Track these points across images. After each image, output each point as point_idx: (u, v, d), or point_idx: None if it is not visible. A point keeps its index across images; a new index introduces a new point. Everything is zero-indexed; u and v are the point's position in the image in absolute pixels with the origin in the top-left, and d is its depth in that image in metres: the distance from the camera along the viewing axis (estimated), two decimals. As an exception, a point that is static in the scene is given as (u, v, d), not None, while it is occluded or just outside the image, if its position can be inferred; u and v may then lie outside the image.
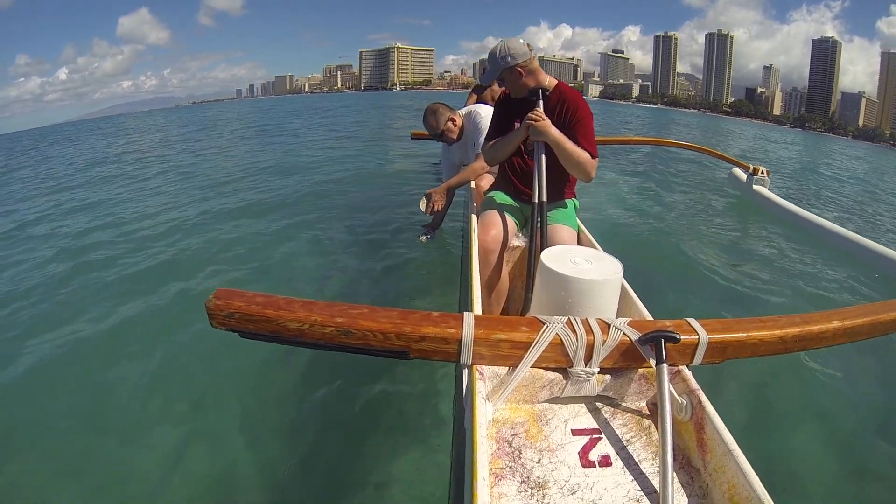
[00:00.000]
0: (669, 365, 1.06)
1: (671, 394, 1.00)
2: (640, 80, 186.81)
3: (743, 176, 6.27)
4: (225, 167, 7.94)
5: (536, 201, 1.90)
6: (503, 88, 2.20)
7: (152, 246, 4.00)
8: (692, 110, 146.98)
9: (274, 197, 5.55)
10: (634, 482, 0.97)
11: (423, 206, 2.94)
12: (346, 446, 1.81)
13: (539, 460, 1.00)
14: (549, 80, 2.07)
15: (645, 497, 0.94)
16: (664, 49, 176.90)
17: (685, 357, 1.09)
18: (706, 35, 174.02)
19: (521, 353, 1.06)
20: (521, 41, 2.05)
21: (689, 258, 3.87)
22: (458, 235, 3.74)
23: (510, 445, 1.03)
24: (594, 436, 1.06)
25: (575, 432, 1.07)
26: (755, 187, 5.99)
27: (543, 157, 1.95)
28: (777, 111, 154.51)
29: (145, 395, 2.15)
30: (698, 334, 1.08)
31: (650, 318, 1.34)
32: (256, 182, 6.50)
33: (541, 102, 1.99)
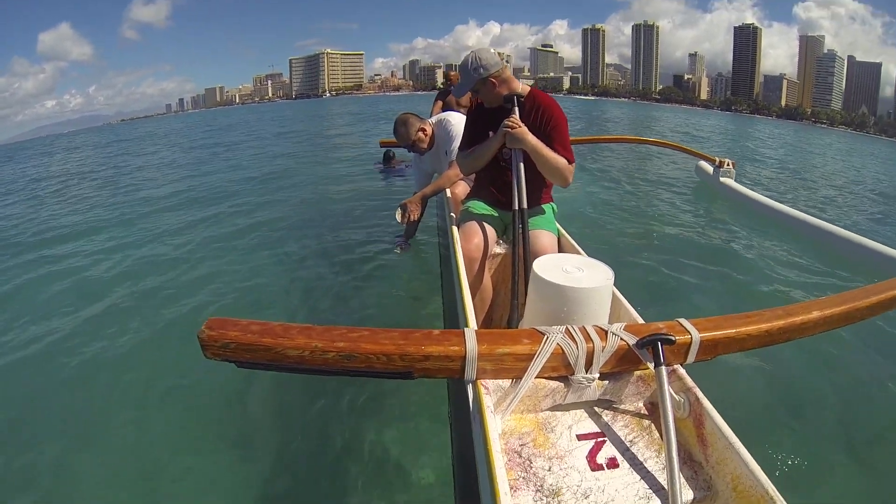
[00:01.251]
0: (665, 365, 1.09)
1: (670, 393, 1.04)
2: (570, 73, 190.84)
3: (709, 168, 6.46)
4: (170, 188, 7.60)
5: (517, 208, 1.91)
6: (475, 98, 2.20)
7: (110, 277, 3.82)
8: (623, 99, 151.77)
9: (234, 216, 5.35)
10: (642, 481, 1.00)
11: (398, 216, 2.92)
12: (339, 472, 1.80)
13: (550, 468, 1.02)
14: (522, 87, 2.08)
15: (654, 495, 0.97)
16: (592, 41, 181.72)
17: (679, 357, 1.14)
18: (633, 26, 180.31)
19: (525, 365, 1.07)
20: (492, 50, 2.09)
21: (665, 255, 3.96)
22: (433, 244, 3.74)
23: (520, 456, 1.05)
24: (599, 439, 1.09)
25: (580, 437, 1.10)
26: (722, 179, 6.18)
27: (522, 164, 1.97)
28: (704, 96, 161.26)
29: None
30: (690, 334, 1.12)
31: (641, 321, 1.38)
32: (211, 202, 6.24)
33: (516, 109, 2.01)
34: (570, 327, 1.12)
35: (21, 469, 1.87)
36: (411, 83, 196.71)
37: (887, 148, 37.28)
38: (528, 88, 2.10)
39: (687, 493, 0.99)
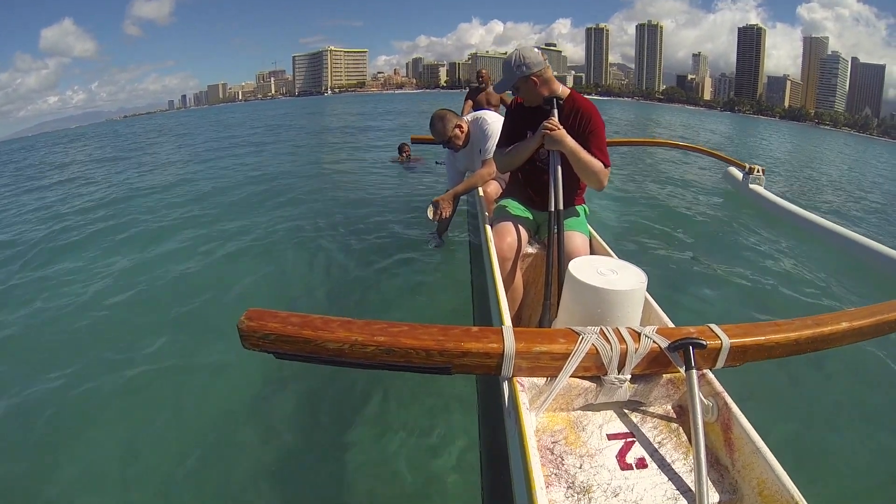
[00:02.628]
0: (696, 370, 1.12)
1: (700, 397, 1.07)
2: (573, 72, 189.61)
3: (739, 175, 6.29)
4: (195, 183, 7.44)
5: (553, 209, 1.93)
6: (515, 97, 2.22)
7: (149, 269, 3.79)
8: (626, 98, 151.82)
9: (266, 211, 5.26)
10: (670, 482, 1.03)
11: (430, 213, 2.97)
12: (363, 462, 1.83)
13: (581, 465, 1.05)
14: (562, 90, 2.10)
15: (681, 496, 1.00)
16: (596, 40, 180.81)
17: (708, 361, 1.16)
18: (636, 25, 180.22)
19: (560, 364, 1.10)
20: (536, 50, 2.09)
21: (692, 260, 3.95)
22: (463, 242, 3.73)
23: (552, 453, 1.08)
24: (628, 439, 1.12)
25: (610, 437, 1.13)
26: (751, 186, 6.01)
27: (559, 166, 1.99)
28: (707, 96, 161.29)
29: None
30: (721, 339, 1.14)
31: (671, 324, 1.41)
32: (241, 198, 6.13)
33: (555, 111, 2.03)
34: (604, 328, 1.14)
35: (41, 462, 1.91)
36: (414, 81, 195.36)
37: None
38: (568, 91, 2.12)
39: (713, 496, 1.02)
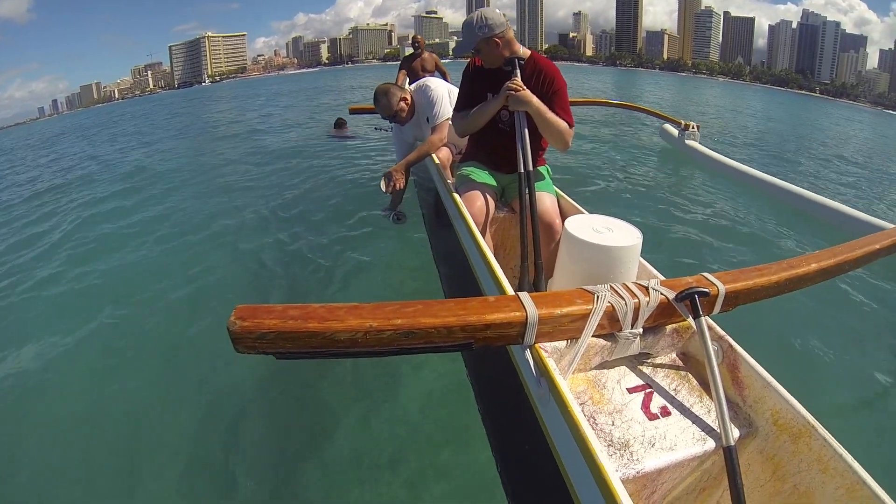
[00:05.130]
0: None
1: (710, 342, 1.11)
2: (455, 38, 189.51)
3: (675, 131, 6.48)
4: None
5: (522, 171, 1.90)
6: (473, 59, 2.14)
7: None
8: None
9: (201, 207, 4.64)
10: (694, 425, 1.07)
11: (383, 186, 2.85)
12: (373, 447, 1.78)
13: (613, 422, 1.06)
14: (522, 50, 2.05)
15: (707, 436, 1.05)
16: (477, 4, 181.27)
17: (706, 308, 1.20)
18: None
19: (579, 325, 1.09)
20: (497, 11, 2.01)
21: (639, 217, 3.93)
22: (415, 212, 3.58)
23: (584, 414, 1.08)
24: (647, 391, 1.15)
25: (630, 390, 1.15)
26: (687, 142, 6.23)
27: (526, 128, 1.96)
28: (590, 52, 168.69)
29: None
30: (718, 286, 1.19)
31: (662, 277, 1.45)
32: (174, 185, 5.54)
33: (517, 72, 1.98)
34: (613, 285, 1.15)
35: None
36: (296, 61, 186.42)
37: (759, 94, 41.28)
38: (529, 52, 2.07)
39: (735, 432, 1.08)
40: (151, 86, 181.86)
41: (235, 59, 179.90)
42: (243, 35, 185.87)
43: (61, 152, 11.05)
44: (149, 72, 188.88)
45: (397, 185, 2.84)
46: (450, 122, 2.71)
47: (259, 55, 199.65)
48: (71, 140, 13.84)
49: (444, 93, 2.82)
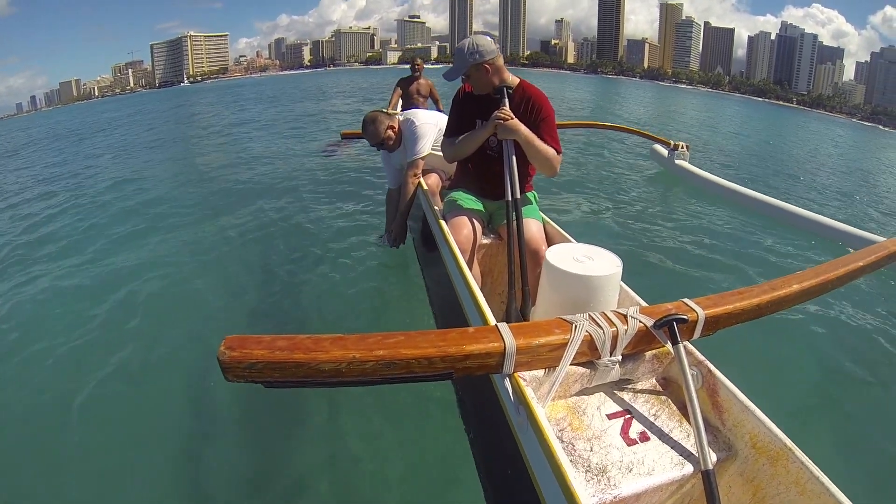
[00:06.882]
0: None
1: (688, 368, 1.13)
2: (437, 42, 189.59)
3: (664, 151, 6.47)
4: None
5: (510, 199, 1.92)
6: (463, 85, 2.18)
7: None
8: None
9: (182, 226, 4.55)
10: (673, 450, 1.09)
11: (387, 242, 3.03)
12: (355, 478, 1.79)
13: (591, 448, 1.08)
14: (511, 79, 2.09)
15: (686, 460, 1.07)
16: (460, 10, 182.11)
17: (686, 334, 1.22)
18: None
19: (558, 354, 1.11)
20: (489, 38, 2.06)
21: (629, 241, 4.04)
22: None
23: (562, 440, 1.09)
24: (626, 416, 1.17)
25: (609, 416, 1.17)
26: (677, 161, 6.24)
27: (513, 155, 1.99)
28: (571, 60, 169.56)
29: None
30: (697, 312, 1.21)
31: (643, 303, 1.47)
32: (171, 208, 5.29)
33: (506, 100, 2.02)
34: (592, 314, 1.16)
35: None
36: (278, 62, 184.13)
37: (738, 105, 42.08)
38: (518, 80, 2.11)
39: (713, 455, 1.09)
40: (132, 84, 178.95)
41: (217, 59, 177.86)
42: (225, 35, 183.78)
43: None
44: (130, 70, 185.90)
45: (401, 243, 2.98)
46: (433, 153, 2.76)
47: (241, 56, 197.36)
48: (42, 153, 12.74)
49: (429, 130, 2.81)
